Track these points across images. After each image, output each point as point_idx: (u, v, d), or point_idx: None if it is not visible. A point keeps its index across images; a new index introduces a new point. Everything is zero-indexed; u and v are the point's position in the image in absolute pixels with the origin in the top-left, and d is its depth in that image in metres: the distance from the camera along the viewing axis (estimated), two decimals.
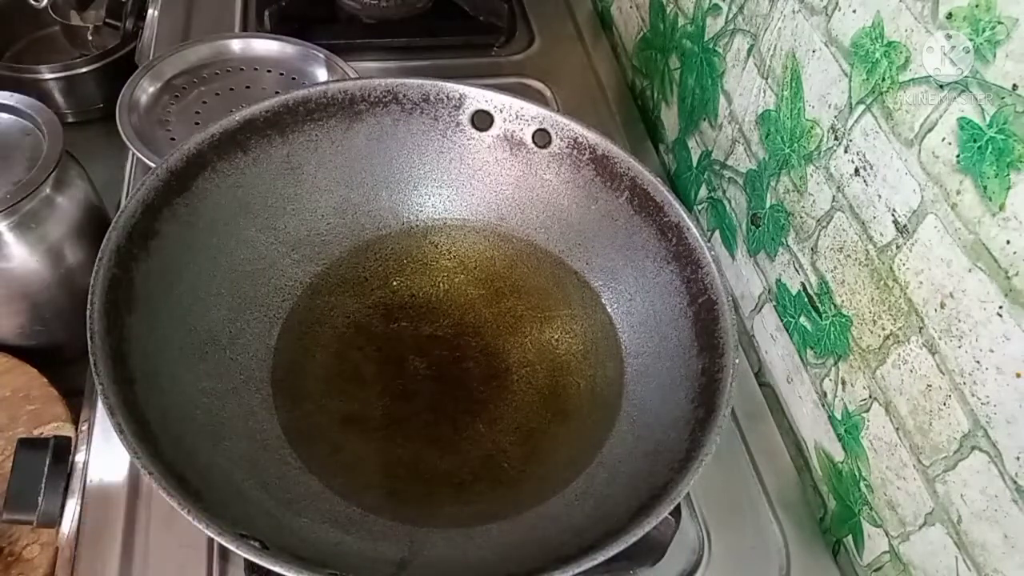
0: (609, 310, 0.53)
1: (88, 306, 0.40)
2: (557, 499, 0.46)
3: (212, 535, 0.35)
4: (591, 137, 0.52)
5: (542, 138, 0.54)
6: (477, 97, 0.54)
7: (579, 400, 0.51)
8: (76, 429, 0.61)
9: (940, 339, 0.39)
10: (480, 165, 0.56)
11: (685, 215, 0.49)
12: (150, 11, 0.82)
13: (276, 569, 0.34)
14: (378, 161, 0.55)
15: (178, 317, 0.46)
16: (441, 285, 0.56)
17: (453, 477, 0.48)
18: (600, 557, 0.36)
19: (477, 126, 0.55)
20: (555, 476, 0.47)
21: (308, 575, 0.34)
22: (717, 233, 0.63)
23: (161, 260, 0.46)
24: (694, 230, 0.48)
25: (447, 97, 0.54)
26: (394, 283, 0.56)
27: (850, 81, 0.44)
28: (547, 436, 0.49)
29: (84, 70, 1.03)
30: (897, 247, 0.42)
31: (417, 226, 0.57)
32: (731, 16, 0.58)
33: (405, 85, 0.54)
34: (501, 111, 0.54)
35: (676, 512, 0.46)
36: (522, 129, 0.54)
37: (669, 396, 0.46)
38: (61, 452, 0.48)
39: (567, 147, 0.54)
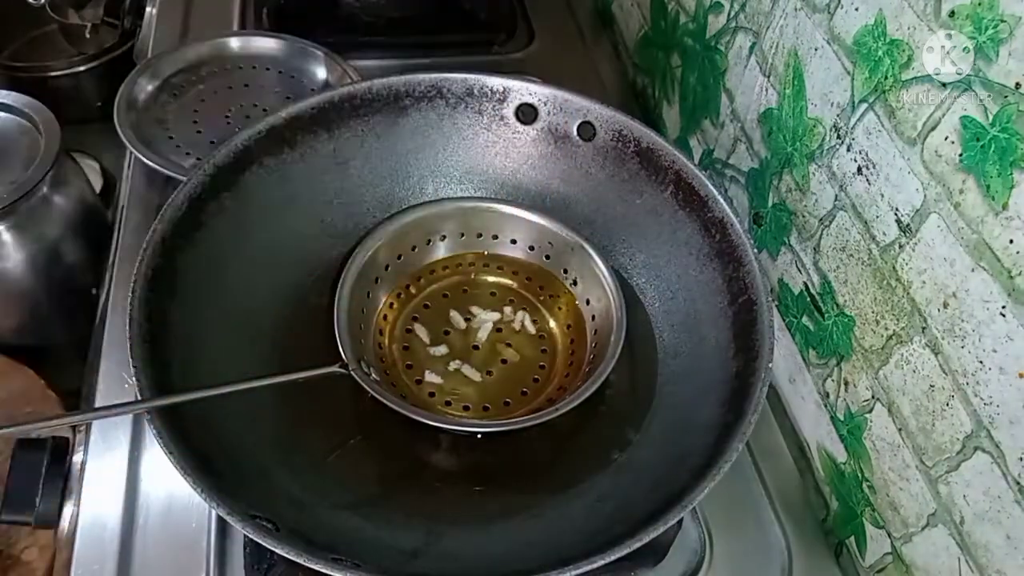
0: (650, 309, 0.53)
1: (129, 293, 0.41)
2: (579, 499, 0.45)
3: (223, 515, 0.35)
4: (636, 129, 0.52)
5: (587, 131, 0.54)
6: (521, 90, 0.54)
7: (613, 401, 0.51)
8: (74, 430, 0.61)
9: (943, 339, 0.39)
10: (525, 159, 0.56)
11: (729, 210, 0.48)
12: (148, 9, 0.82)
13: (281, 552, 0.35)
14: (423, 155, 0.56)
15: (222, 305, 0.47)
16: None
17: (481, 467, 0.48)
18: (600, 561, 0.36)
19: (522, 119, 0.55)
20: (582, 475, 0.47)
21: (312, 559, 0.34)
22: None
23: (207, 251, 0.47)
24: (738, 226, 0.47)
25: (491, 91, 0.54)
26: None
27: (852, 79, 0.44)
28: (577, 434, 0.49)
29: (82, 69, 1.02)
30: (900, 246, 0.41)
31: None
32: (733, 14, 0.57)
33: (449, 79, 0.54)
34: (546, 104, 0.54)
35: None
36: (567, 122, 0.54)
37: (703, 399, 0.46)
38: (59, 453, 0.48)
39: (612, 140, 0.53)
